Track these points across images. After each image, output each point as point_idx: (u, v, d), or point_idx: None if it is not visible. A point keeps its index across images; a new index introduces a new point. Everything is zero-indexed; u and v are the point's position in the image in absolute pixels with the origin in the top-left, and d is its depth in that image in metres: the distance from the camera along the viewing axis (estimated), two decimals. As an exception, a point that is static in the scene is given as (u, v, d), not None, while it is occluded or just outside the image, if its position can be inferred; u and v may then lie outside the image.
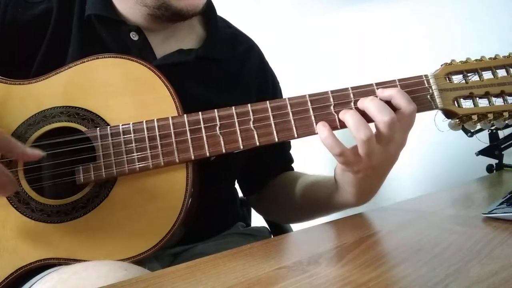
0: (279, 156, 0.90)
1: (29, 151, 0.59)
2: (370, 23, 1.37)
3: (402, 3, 1.30)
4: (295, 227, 0.97)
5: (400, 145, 0.63)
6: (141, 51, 0.74)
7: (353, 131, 0.60)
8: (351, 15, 1.42)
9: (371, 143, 0.60)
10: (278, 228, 0.98)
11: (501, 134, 1.03)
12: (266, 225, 0.99)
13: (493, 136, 1.03)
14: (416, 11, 1.28)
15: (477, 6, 1.17)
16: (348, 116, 0.61)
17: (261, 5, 1.64)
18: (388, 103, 0.62)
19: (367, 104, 0.62)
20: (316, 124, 0.64)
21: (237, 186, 0.95)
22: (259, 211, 0.97)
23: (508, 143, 1.03)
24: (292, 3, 1.59)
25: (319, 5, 1.51)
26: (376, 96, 0.63)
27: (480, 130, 0.96)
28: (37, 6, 0.73)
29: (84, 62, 0.67)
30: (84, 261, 0.61)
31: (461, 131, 0.98)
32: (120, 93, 0.66)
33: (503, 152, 1.04)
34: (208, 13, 0.84)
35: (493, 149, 1.04)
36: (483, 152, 1.05)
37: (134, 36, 0.75)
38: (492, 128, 0.96)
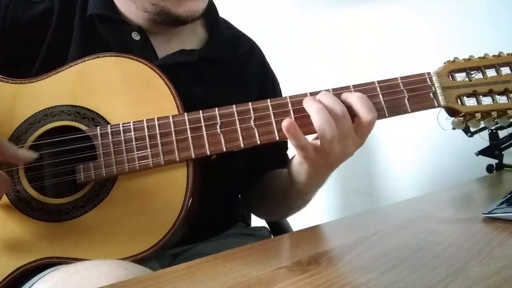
0: (274, 154, 0.90)
1: (21, 154, 0.59)
2: (370, 22, 1.37)
3: (402, 3, 1.30)
4: (295, 227, 0.97)
5: (358, 145, 0.64)
6: (143, 51, 0.74)
7: (319, 129, 0.61)
8: (351, 15, 1.42)
9: (333, 142, 0.61)
10: (278, 228, 0.98)
11: (501, 134, 1.03)
12: (266, 225, 0.99)
13: (493, 136, 1.03)
14: (416, 11, 1.28)
15: (478, 5, 1.17)
16: (314, 112, 0.61)
17: (261, 5, 1.64)
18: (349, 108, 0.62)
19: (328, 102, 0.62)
20: None
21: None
22: (252, 210, 0.97)
23: (508, 143, 1.03)
24: (292, 3, 1.59)
25: (319, 5, 1.51)
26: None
27: (480, 130, 0.97)
28: (38, 5, 0.74)
29: (85, 61, 0.67)
30: (84, 260, 0.61)
31: (461, 131, 0.98)
32: (121, 91, 0.66)
33: (503, 152, 1.04)
34: (210, 15, 0.84)
35: (493, 149, 1.03)
36: (483, 152, 1.05)
37: (136, 36, 0.75)
38: (496, 126, 0.97)
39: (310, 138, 0.64)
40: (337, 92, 0.65)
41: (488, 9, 1.15)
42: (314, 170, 0.67)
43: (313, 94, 0.65)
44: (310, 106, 0.62)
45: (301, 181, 0.70)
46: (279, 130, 0.64)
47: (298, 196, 0.77)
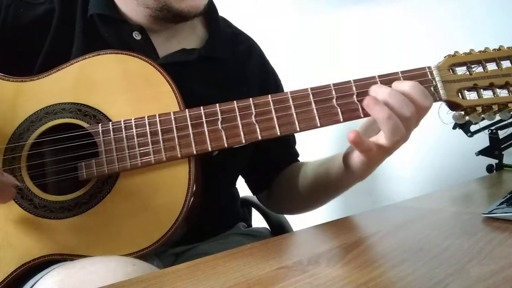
0: (285, 152, 0.90)
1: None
2: (370, 22, 1.37)
3: (402, 2, 1.30)
4: (295, 227, 0.98)
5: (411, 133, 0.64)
6: (143, 51, 0.73)
7: (388, 135, 0.61)
8: (351, 15, 1.42)
9: (399, 141, 0.61)
10: (278, 228, 0.98)
11: (501, 134, 1.03)
12: (267, 226, 0.99)
13: (493, 136, 1.03)
14: (415, 10, 1.28)
15: (476, 4, 1.17)
16: (384, 119, 0.60)
17: (261, 5, 1.64)
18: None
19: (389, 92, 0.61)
20: (318, 118, 0.64)
21: (237, 186, 0.94)
22: (269, 207, 0.97)
23: (508, 143, 1.03)
24: (292, 2, 1.59)
25: (319, 5, 1.51)
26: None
27: (480, 130, 0.97)
28: (39, 7, 0.74)
29: (86, 58, 0.68)
30: (87, 256, 0.61)
31: (461, 131, 0.98)
32: (122, 89, 0.67)
33: (503, 152, 1.04)
34: (210, 13, 0.84)
35: (493, 149, 1.03)
36: (483, 152, 1.05)
37: (136, 36, 0.75)
38: (496, 126, 0.97)
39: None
40: (384, 79, 0.65)
41: (485, 10, 1.15)
42: (374, 162, 0.66)
43: (314, 88, 0.65)
44: (377, 111, 0.60)
45: (359, 172, 0.68)
46: (280, 125, 0.64)
47: (351, 183, 0.75)
